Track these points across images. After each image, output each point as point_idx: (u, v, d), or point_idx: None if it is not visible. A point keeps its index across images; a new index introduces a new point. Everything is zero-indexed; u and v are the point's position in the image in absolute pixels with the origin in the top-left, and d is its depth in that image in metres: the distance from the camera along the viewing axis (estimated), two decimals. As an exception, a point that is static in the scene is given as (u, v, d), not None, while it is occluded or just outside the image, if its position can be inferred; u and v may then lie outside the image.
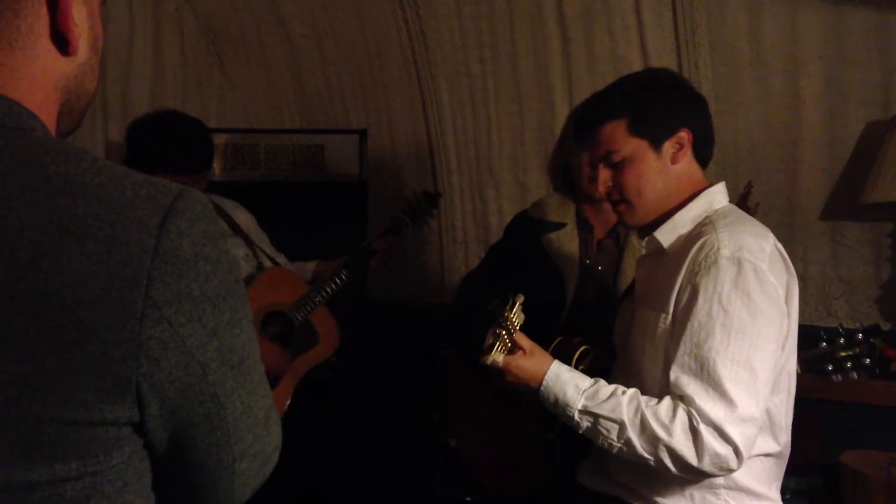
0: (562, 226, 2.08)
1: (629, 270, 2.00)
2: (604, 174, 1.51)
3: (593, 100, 1.56)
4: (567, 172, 2.12)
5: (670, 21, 2.72)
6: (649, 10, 2.73)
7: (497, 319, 1.51)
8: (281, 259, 2.57)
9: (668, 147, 1.46)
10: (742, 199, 2.47)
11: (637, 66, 2.80)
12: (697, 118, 1.49)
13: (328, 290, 2.35)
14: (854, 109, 2.52)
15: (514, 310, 1.52)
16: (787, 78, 2.60)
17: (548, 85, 3.02)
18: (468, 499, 2.41)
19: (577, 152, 2.02)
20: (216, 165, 3.03)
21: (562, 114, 2.97)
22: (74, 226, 0.63)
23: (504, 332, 1.50)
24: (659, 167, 1.46)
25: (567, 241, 2.07)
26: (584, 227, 2.09)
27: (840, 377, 1.93)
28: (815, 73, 2.55)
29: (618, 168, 1.48)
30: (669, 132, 1.46)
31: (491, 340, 1.51)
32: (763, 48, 2.60)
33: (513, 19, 3.00)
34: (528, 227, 2.14)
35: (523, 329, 1.54)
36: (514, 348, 1.51)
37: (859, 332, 1.92)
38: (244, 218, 2.52)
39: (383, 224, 2.47)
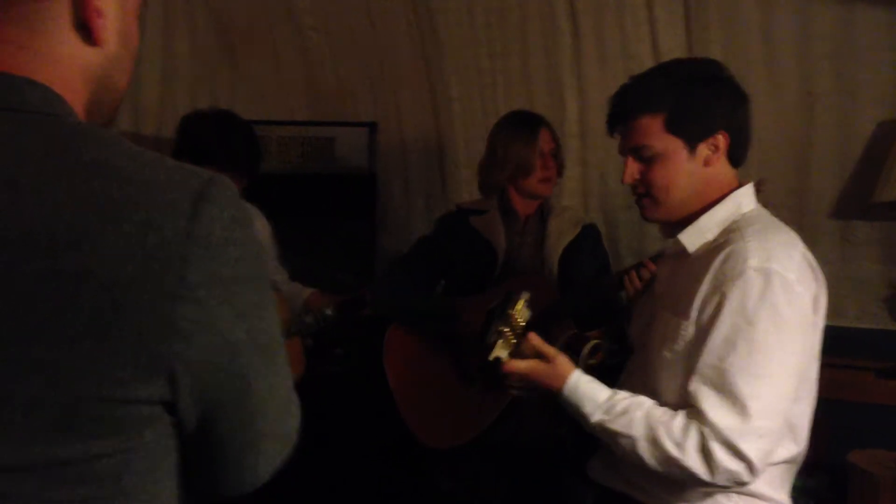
0: (484, 212, 2.35)
1: (553, 232, 2.33)
2: (632, 167, 1.46)
3: (632, 86, 1.49)
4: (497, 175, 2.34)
5: (682, 18, 2.72)
6: (661, 7, 2.73)
7: (501, 316, 1.50)
8: (281, 276, 2.52)
9: (703, 149, 1.42)
10: (753, 197, 2.47)
11: (648, 62, 2.79)
12: (737, 119, 1.45)
13: (305, 322, 2.27)
14: (865, 108, 2.51)
15: (517, 306, 1.51)
16: (799, 76, 2.60)
17: (558, 81, 3.02)
18: (469, 496, 2.41)
19: (524, 152, 2.27)
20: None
21: (572, 109, 2.98)
22: (111, 209, 0.64)
23: (507, 329, 1.49)
24: (691, 168, 1.43)
25: (492, 223, 2.33)
26: (507, 213, 2.35)
27: None
28: (827, 72, 2.55)
29: (648, 163, 1.44)
30: (706, 134, 1.42)
31: (494, 338, 1.50)
32: (775, 46, 2.60)
33: (523, 14, 2.99)
34: (456, 215, 2.42)
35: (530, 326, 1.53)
36: (519, 345, 1.49)
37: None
38: (260, 226, 2.47)
39: None
